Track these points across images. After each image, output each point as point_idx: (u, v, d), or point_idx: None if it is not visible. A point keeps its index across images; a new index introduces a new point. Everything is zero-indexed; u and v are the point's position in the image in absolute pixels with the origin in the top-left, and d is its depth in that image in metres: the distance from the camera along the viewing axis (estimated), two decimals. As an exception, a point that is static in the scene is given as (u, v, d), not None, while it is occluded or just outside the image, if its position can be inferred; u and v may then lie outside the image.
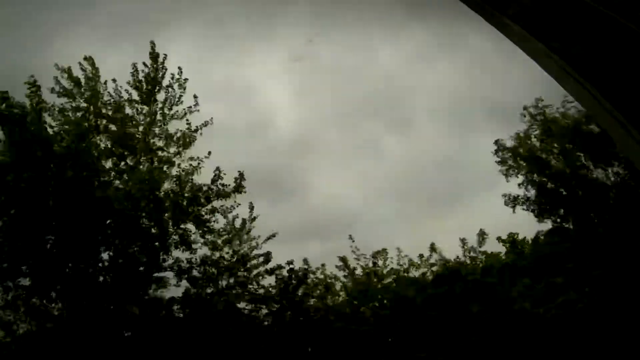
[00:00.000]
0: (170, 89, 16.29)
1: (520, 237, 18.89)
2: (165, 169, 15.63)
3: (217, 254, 16.05)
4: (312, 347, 15.02)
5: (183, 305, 15.36)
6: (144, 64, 16.17)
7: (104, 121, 15.70)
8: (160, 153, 15.81)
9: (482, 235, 16.31)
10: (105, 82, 15.96)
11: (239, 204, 15.98)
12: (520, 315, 13.38)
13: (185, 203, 15.36)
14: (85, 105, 15.53)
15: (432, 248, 17.42)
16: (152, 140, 15.85)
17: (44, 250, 14.00)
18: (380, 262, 17.91)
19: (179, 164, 15.81)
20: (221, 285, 15.76)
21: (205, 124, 16.15)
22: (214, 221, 15.77)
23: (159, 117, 16.14)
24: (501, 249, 18.95)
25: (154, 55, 16.29)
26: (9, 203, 13.59)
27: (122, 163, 15.39)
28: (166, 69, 16.39)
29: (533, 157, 17.62)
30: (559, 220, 17.30)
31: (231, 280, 15.88)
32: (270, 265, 16.18)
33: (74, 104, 15.42)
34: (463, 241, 16.50)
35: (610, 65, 2.74)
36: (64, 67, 15.53)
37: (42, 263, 13.85)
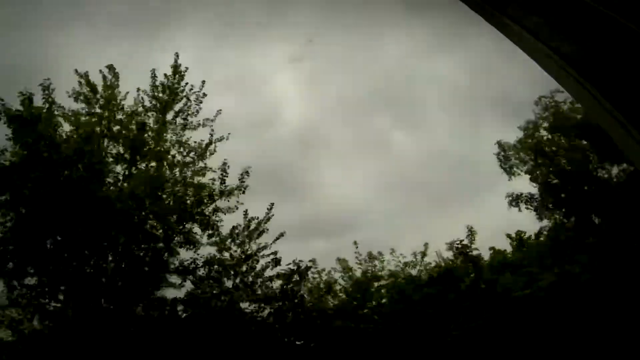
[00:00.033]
0: (187, 100, 16.37)
1: (529, 234, 18.74)
2: (171, 171, 15.63)
3: (223, 254, 16.03)
4: (312, 345, 15.05)
5: (187, 305, 15.40)
6: (165, 75, 16.31)
7: (117, 127, 15.83)
8: (170, 159, 15.83)
9: (470, 231, 16.16)
10: (126, 94, 16.11)
11: (242, 203, 15.88)
12: (504, 299, 13.62)
13: (189, 203, 15.37)
14: (99, 111, 15.71)
15: (426, 248, 17.37)
16: (163, 148, 15.87)
17: (49, 250, 14.08)
18: (378, 264, 17.91)
19: (186, 169, 15.81)
20: (226, 286, 15.77)
21: (221, 139, 16.17)
22: (218, 220, 15.69)
23: (172, 126, 16.24)
24: (508, 247, 18.92)
25: (175, 66, 16.37)
26: (15, 202, 13.70)
27: (133, 168, 15.44)
28: (187, 83, 16.50)
29: (539, 150, 17.50)
30: (561, 218, 17.21)
31: (237, 280, 15.88)
32: (278, 268, 16.10)
33: (88, 109, 15.60)
34: (451, 244, 16.33)
35: (610, 65, 2.74)
36: (82, 72, 15.77)
37: (47, 262, 13.93)
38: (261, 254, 16.13)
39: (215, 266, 15.70)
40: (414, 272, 17.28)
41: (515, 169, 17.81)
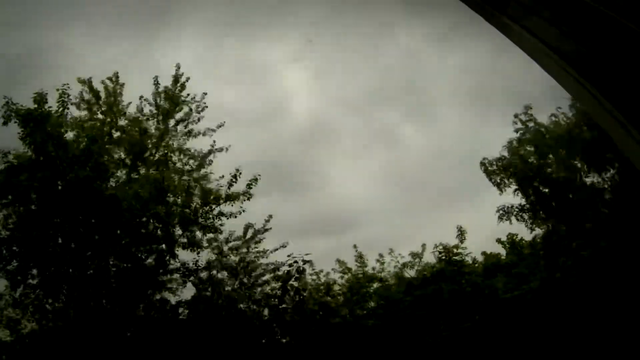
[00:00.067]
0: (189, 110, 16.47)
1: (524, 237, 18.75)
2: (175, 176, 15.62)
3: (224, 259, 15.98)
4: (310, 344, 15.03)
5: (188, 306, 15.35)
6: (165, 87, 16.42)
7: (119, 133, 15.94)
8: (172, 165, 15.86)
9: (460, 232, 16.19)
10: (129, 104, 16.25)
11: (244, 210, 15.79)
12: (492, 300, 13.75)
13: (193, 207, 15.32)
14: (102, 117, 15.85)
15: (423, 249, 17.36)
16: (165, 154, 15.92)
17: (52, 250, 14.03)
18: (377, 265, 17.89)
19: (189, 176, 15.80)
20: (226, 289, 15.73)
21: (221, 149, 16.18)
22: (221, 225, 15.65)
23: (173, 133, 16.33)
24: (501, 250, 18.94)
25: (176, 76, 16.46)
26: (21, 202, 13.69)
27: (134, 173, 15.46)
28: (188, 94, 16.59)
29: (526, 164, 17.59)
30: (552, 227, 17.29)
31: (236, 284, 15.85)
32: (275, 263, 16.06)
33: (90, 116, 15.72)
34: (437, 246, 16.35)
35: (610, 65, 2.74)
36: (85, 79, 15.87)
37: (50, 262, 13.89)
38: (260, 262, 16.13)
39: (216, 270, 15.68)
40: (412, 272, 17.26)
41: (503, 183, 17.83)
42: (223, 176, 15.74)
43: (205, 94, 16.61)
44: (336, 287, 17.35)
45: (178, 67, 16.57)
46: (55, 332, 14.00)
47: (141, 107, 16.38)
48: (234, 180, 15.57)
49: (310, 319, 15.39)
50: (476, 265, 17.50)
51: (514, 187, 17.59)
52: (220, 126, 16.39)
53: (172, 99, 16.38)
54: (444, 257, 15.77)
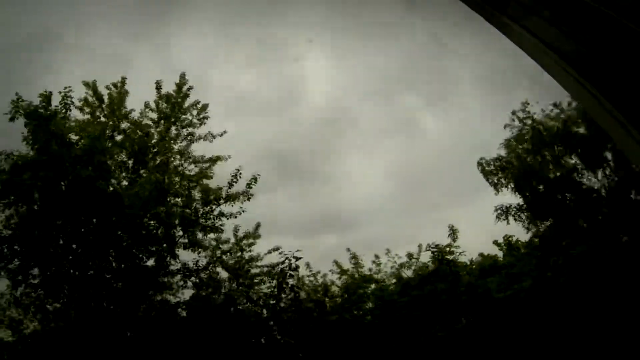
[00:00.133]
0: (190, 115, 16.51)
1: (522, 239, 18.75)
2: (176, 178, 15.68)
3: (223, 258, 16.04)
4: (308, 342, 15.07)
5: (187, 306, 15.40)
6: (168, 92, 16.45)
7: (121, 136, 16.00)
8: (173, 168, 15.94)
9: (452, 231, 16.17)
10: (131, 110, 16.31)
11: (245, 210, 15.76)
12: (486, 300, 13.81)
13: (193, 208, 15.36)
14: (104, 120, 15.90)
15: (420, 249, 17.36)
16: (167, 157, 15.98)
17: (54, 250, 14.06)
18: (374, 266, 17.89)
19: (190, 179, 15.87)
20: (225, 289, 15.79)
21: (221, 158, 16.18)
22: (221, 225, 15.65)
23: (175, 137, 16.40)
24: (498, 251, 18.92)
25: (179, 85, 16.52)
26: (23, 201, 13.74)
27: (135, 176, 15.51)
28: (189, 104, 16.60)
29: (523, 163, 17.58)
30: (548, 227, 17.30)
31: (234, 285, 15.90)
32: (270, 264, 16.10)
33: (92, 119, 15.75)
34: (428, 246, 16.38)
35: (610, 65, 2.75)
36: (89, 82, 15.92)
37: (51, 262, 13.92)
38: (254, 263, 16.19)
39: (214, 269, 15.73)
40: (409, 272, 17.24)
41: (500, 183, 17.83)
42: (235, 178, 15.69)
43: (207, 104, 16.68)
44: (334, 289, 17.37)
45: (183, 75, 16.60)
46: (56, 332, 14.00)
47: (144, 111, 16.47)
48: (234, 180, 15.59)
49: (307, 317, 15.42)
50: (473, 266, 17.49)
51: (511, 186, 17.60)
52: (222, 134, 16.48)
53: (174, 106, 16.44)
54: (437, 257, 15.75)
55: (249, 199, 15.64)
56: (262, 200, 16.58)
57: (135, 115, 16.40)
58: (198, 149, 16.45)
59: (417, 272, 16.70)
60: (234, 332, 14.44)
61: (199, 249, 15.51)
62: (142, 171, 15.80)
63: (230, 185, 15.58)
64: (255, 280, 16.12)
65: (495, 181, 17.79)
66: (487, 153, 18.07)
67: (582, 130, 16.34)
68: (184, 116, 16.51)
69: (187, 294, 15.74)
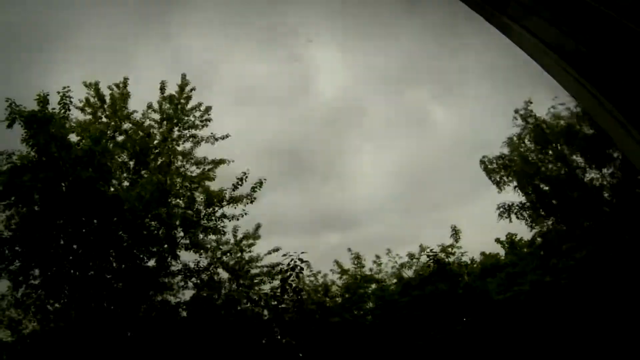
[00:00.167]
0: (193, 117, 16.48)
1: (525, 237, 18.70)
2: (178, 179, 15.69)
3: (224, 258, 16.05)
4: (310, 343, 15.07)
5: (188, 307, 15.39)
6: (171, 95, 16.44)
7: (123, 136, 15.96)
8: (174, 169, 15.92)
9: (455, 231, 16.17)
10: (133, 112, 16.30)
11: (247, 213, 15.69)
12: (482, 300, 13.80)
13: (195, 209, 15.37)
14: (106, 120, 15.89)
15: (421, 250, 17.35)
16: (168, 158, 15.97)
17: (54, 250, 14.06)
18: (375, 266, 17.89)
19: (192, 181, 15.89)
20: (226, 289, 15.79)
21: (223, 161, 16.17)
22: (223, 227, 15.59)
23: (177, 138, 16.37)
24: (500, 249, 18.91)
25: (182, 86, 16.49)
26: (24, 203, 13.72)
27: (137, 177, 15.51)
28: (192, 107, 16.58)
29: (526, 161, 17.59)
30: (553, 224, 17.29)
31: (234, 286, 15.90)
32: (271, 264, 16.10)
33: (93, 120, 15.75)
34: (424, 249, 16.42)
35: (610, 65, 2.75)
36: (91, 82, 15.91)
37: (52, 263, 13.91)
38: (254, 264, 16.21)
39: (215, 270, 15.72)
40: (410, 272, 17.23)
41: (503, 181, 17.84)
42: (240, 181, 15.63)
43: (210, 107, 16.63)
44: (334, 289, 17.36)
45: (184, 76, 16.58)
46: (56, 332, 14.00)
47: (147, 112, 16.43)
48: (240, 182, 15.54)
49: (309, 318, 15.40)
50: (474, 265, 17.49)
51: (513, 184, 17.61)
52: (224, 137, 16.43)
53: (176, 108, 16.44)
54: (435, 263, 15.73)
55: (252, 202, 15.64)
56: (264, 198, 16.57)
57: (137, 116, 16.41)
58: (201, 151, 16.45)
59: (417, 272, 16.69)
60: (235, 333, 14.43)
61: (200, 250, 15.51)
62: (143, 172, 15.79)
63: (235, 187, 15.56)
64: (255, 281, 16.12)
65: (498, 179, 17.82)
66: (491, 151, 18.16)
67: (586, 128, 16.34)
68: (186, 117, 16.50)
69: (187, 294, 15.75)
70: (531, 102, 17.61)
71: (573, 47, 2.87)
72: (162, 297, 15.50)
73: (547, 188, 17.40)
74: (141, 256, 14.78)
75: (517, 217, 17.42)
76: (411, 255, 17.33)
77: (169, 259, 15.10)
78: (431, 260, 15.56)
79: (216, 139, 16.40)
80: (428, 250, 15.84)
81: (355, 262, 17.66)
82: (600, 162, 16.47)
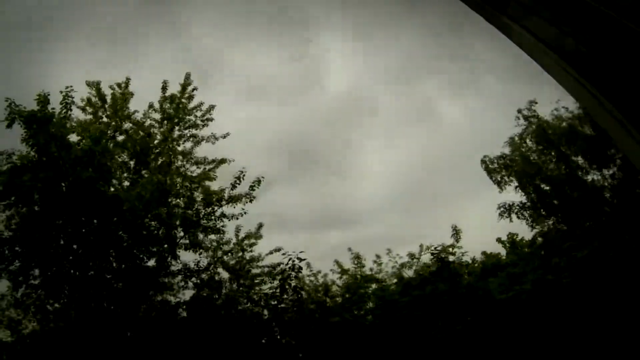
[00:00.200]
0: (194, 117, 16.49)
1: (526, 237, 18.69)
2: (178, 179, 15.70)
3: (224, 258, 16.05)
4: (310, 343, 15.07)
5: (188, 307, 15.39)
6: (172, 94, 16.44)
7: (124, 136, 15.98)
8: (175, 169, 15.93)
9: (455, 231, 16.18)
10: (134, 112, 16.33)
11: (247, 212, 15.70)
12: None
13: (195, 209, 15.37)
14: (107, 120, 15.92)
15: (421, 249, 17.34)
16: (169, 158, 15.99)
17: (54, 250, 14.06)
18: (375, 266, 17.88)
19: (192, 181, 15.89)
20: (226, 289, 15.79)
21: (224, 161, 16.17)
22: (223, 226, 15.61)
23: (178, 138, 16.39)
24: (501, 249, 18.89)
25: (184, 85, 16.51)
26: (24, 203, 13.74)
27: (137, 177, 15.52)
28: (194, 107, 16.59)
29: (527, 161, 17.61)
30: (554, 224, 17.30)
31: (234, 285, 15.90)
32: (271, 264, 16.10)
33: (95, 119, 15.78)
34: (427, 248, 16.40)
35: (610, 65, 2.74)
36: (93, 82, 15.96)
37: (52, 263, 13.92)
38: (255, 264, 16.20)
39: (215, 270, 15.72)
40: (410, 272, 17.21)
41: (504, 181, 17.86)
42: (238, 180, 15.63)
43: (213, 106, 16.65)
44: (334, 288, 17.35)
45: (188, 76, 16.59)
46: (56, 332, 14.01)
47: (148, 112, 16.45)
48: (237, 181, 15.57)
49: (309, 318, 15.41)
50: (476, 265, 17.48)
51: (514, 184, 17.63)
52: (225, 136, 16.45)
53: (178, 107, 16.44)
54: (438, 261, 15.73)
55: (251, 200, 15.64)
56: (268, 195, 16.61)
57: (138, 116, 16.42)
58: (203, 150, 16.46)
59: (418, 272, 16.69)
60: (235, 333, 14.43)
61: (200, 250, 15.51)
62: (143, 172, 15.79)
63: (233, 186, 15.57)
64: (256, 281, 16.11)
65: (499, 179, 17.85)
66: (492, 151, 18.20)
67: (587, 129, 16.37)
68: (187, 117, 16.50)
69: (187, 294, 15.75)
70: (535, 102, 17.67)
71: (573, 47, 2.87)
72: (162, 297, 15.51)
73: (548, 188, 17.42)
74: (141, 256, 14.78)
75: (518, 217, 17.45)
76: (412, 255, 17.32)
77: (169, 258, 15.10)
78: (434, 258, 15.56)
79: (216, 138, 16.44)
80: (432, 248, 15.85)
81: (356, 262, 17.65)
82: (601, 163, 16.50)
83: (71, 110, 14.36)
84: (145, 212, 14.39)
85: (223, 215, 15.54)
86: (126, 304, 14.41)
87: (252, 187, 15.55)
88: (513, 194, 17.52)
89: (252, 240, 16.26)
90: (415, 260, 17.11)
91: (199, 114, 16.51)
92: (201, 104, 16.56)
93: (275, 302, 15.40)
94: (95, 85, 16.00)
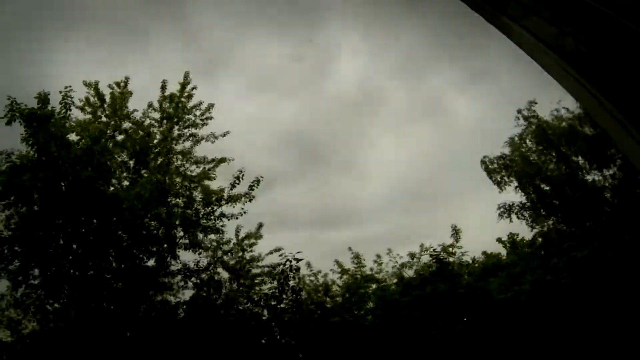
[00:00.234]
0: (193, 116, 16.50)
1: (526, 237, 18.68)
2: (177, 179, 15.70)
3: (224, 258, 16.06)
4: (309, 343, 15.08)
5: (187, 307, 15.40)
6: (172, 94, 16.45)
7: (123, 136, 15.99)
8: (174, 169, 15.94)
9: (455, 231, 16.18)
10: (134, 112, 16.35)
11: (246, 211, 15.70)
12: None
13: (194, 209, 15.36)
14: (106, 120, 15.93)
15: (422, 249, 17.32)
16: (168, 157, 16.01)
17: (54, 250, 14.06)
18: (375, 266, 17.87)
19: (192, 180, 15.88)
20: (226, 289, 15.80)
21: (223, 160, 16.18)
22: (222, 226, 15.62)
23: (177, 138, 16.40)
24: (502, 249, 18.89)
25: (183, 84, 16.51)
26: (23, 202, 13.75)
27: (136, 176, 15.52)
28: (193, 106, 16.61)
29: (527, 161, 17.62)
30: (554, 224, 17.31)
31: (234, 285, 15.91)
32: (271, 265, 16.10)
33: (93, 119, 15.78)
34: (426, 249, 16.41)
35: (610, 65, 2.74)
36: (91, 82, 15.97)
37: (51, 263, 13.92)
38: (255, 264, 16.20)
39: (215, 270, 15.73)
40: (410, 272, 17.20)
41: (504, 181, 17.86)
42: (237, 179, 15.64)
43: (213, 104, 16.64)
44: (334, 288, 17.35)
45: (186, 75, 16.58)
46: (56, 332, 14.01)
47: (147, 111, 16.47)
48: (237, 181, 15.56)
49: (309, 318, 15.41)
50: (476, 265, 17.47)
51: (514, 184, 17.64)
52: (224, 135, 16.44)
53: (177, 107, 16.44)
54: (434, 261, 15.74)
55: (250, 200, 15.64)
56: (266, 194, 16.59)
57: (137, 115, 16.42)
58: (203, 149, 16.46)
59: (418, 272, 16.68)
60: (235, 333, 14.43)
61: (200, 250, 15.51)
62: (143, 171, 15.79)
63: (232, 186, 15.58)
64: (256, 281, 16.11)
65: (499, 179, 17.87)
66: (494, 151, 18.23)
67: (587, 130, 16.39)
68: (187, 116, 16.50)
69: (187, 294, 15.76)
70: (535, 103, 17.68)
71: (573, 47, 2.87)
72: (162, 297, 15.51)
73: (548, 188, 17.44)
74: (141, 256, 14.79)
75: (518, 217, 17.47)
76: (412, 255, 17.31)
77: (169, 258, 15.11)
78: (433, 260, 15.56)
79: (216, 137, 16.43)
80: (431, 249, 15.86)
81: (356, 262, 17.64)
82: (601, 163, 16.51)
83: (70, 110, 14.38)
84: (145, 211, 14.39)
85: (222, 215, 15.55)
86: (126, 304, 14.41)
87: (251, 187, 15.55)
88: (513, 194, 17.54)
89: (252, 240, 16.27)
90: (415, 260, 17.11)
91: (198, 113, 16.54)
92: (200, 103, 16.58)
93: (275, 303, 15.40)
94: (94, 85, 16.01)
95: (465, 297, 14.29)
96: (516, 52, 3.21)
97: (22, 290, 13.93)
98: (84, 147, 13.97)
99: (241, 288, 15.95)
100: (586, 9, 2.78)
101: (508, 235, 18.82)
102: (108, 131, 15.66)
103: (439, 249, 15.81)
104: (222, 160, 16.20)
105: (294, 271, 15.02)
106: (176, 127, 16.47)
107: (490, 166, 18.01)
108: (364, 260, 17.77)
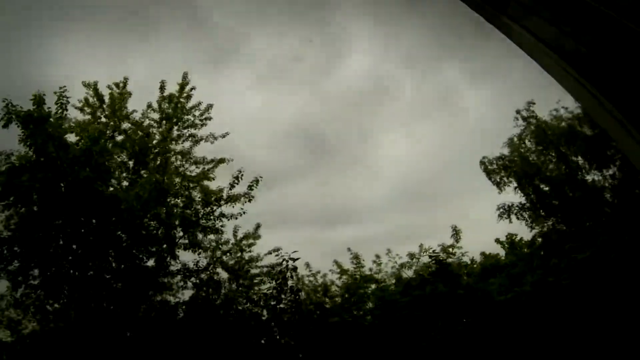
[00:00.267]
0: (192, 116, 16.53)
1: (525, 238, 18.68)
2: (177, 179, 15.70)
3: (224, 258, 16.06)
4: (309, 343, 15.06)
5: (187, 307, 15.39)
6: (170, 95, 16.47)
7: (122, 136, 16.03)
8: (173, 169, 15.97)
9: (455, 231, 16.18)
10: (133, 112, 16.39)
11: (245, 212, 15.73)
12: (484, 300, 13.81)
13: (194, 209, 15.36)
14: (105, 120, 15.97)
15: (421, 249, 17.31)
16: (167, 158, 16.04)
17: (54, 250, 14.06)
18: (374, 267, 17.86)
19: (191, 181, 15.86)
20: (225, 289, 15.81)
21: (223, 161, 16.22)
22: (221, 226, 15.64)
23: (177, 138, 16.44)
24: (500, 250, 18.89)
25: (182, 85, 16.55)
26: (22, 203, 13.75)
27: (136, 177, 15.55)
28: (192, 106, 16.63)
29: (526, 162, 17.62)
30: (553, 225, 17.30)
31: (233, 286, 15.91)
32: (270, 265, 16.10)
33: (92, 120, 15.82)
34: (425, 250, 16.43)
35: (611, 65, 2.74)
36: (90, 82, 16.01)
37: (51, 263, 13.92)
38: (254, 264, 16.20)
39: (214, 270, 15.72)
40: (410, 272, 17.20)
41: (503, 181, 17.87)
42: (236, 180, 15.62)
43: (212, 105, 16.66)
44: (334, 289, 17.34)
45: (185, 75, 16.62)
46: (55, 332, 14.02)
47: (146, 111, 16.50)
48: (236, 181, 15.57)
49: (308, 318, 15.40)
50: (475, 265, 17.48)
51: (513, 185, 17.64)
52: (224, 135, 16.47)
53: (176, 107, 16.45)
54: (433, 262, 15.74)
55: (250, 200, 15.64)
56: (267, 194, 16.58)
57: (137, 115, 16.46)
58: (203, 149, 16.50)
59: (418, 273, 16.67)
60: (234, 333, 14.43)
61: (199, 250, 15.52)
62: (142, 172, 15.81)
63: (232, 186, 15.58)
64: (255, 281, 16.12)
65: (498, 180, 17.87)
66: (493, 151, 18.24)
67: (587, 130, 16.40)
68: (186, 117, 16.52)
69: (187, 294, 15.77)
70: (534, 103, 17.69)
71: (573, 47, 2.86)
72: (162, 297, 15.52)
73: (547, 188, 17.45)
74: (140, 256, 14.79)
75: (517, 218, 17.48)
76: (411, 255, 17.31)
77: (168, 258, 15.11)
78: (433, 261, 15.55)
79: (215, 138, 16.45)
80: (430, 250, 15.87)
81: (355, 262, 17.63)
82: (601, 163, 16.51)
83: (67, 110, 14.38)
84: (144, 212, 14.39)
85: (222, 215, 15.55)
86: (125, 304, 14.41)
87: (250, 187, 15.56)
88: (512, 195, 17.54)
89: (251, 241, 16.27)
90: (415, 260, 17.11)
91: (197, 113, 16.56)
92: (199, 103, 16.59)
93: (274, 303, 15.39)
94: (93, 86, 16.02)
95: (465, 298, 14.27)
96: (516, 52, 3.21)
97: (22, 290, 13.93)
98: (83, 147, 13.97)
99: (240, 288, 15.95)
100: (586, 9, 2.78)
101: (506, 236, 18.84)
102: (107, 132, 15.67)
103: (438, 249, 15.84)
104: (222, 160, 16.22)
105: (291, 271, 15.01)
106: (175, 127, 16.49)
107: (489, 167, 18.02)
108: (363, 260, 17.79)
